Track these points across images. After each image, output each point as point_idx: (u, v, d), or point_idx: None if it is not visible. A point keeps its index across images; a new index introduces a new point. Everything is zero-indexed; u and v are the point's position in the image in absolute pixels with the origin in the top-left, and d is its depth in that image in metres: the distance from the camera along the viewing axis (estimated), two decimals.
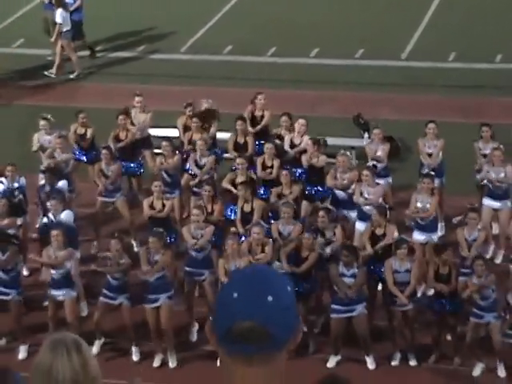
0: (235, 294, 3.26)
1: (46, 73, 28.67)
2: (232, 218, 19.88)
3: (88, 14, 30.52)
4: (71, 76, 28.30)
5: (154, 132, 22.70)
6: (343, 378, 8.12)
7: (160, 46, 29.37)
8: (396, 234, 18.91)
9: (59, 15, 28.29)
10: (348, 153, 21.23)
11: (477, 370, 17.95)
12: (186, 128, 22.47)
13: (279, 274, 3.60)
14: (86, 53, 29.67)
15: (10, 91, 27.70)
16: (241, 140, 21.66)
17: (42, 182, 21.31)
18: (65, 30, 28.28)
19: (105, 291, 18.54)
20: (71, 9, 29.20)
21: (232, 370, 3.43)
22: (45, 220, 20.07)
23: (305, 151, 21.27)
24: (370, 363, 18.10)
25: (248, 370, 3.40)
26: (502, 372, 17.78)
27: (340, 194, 19.99)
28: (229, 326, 3.24)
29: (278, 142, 21.92)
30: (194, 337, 18.40)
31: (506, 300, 18.13)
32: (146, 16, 30.74)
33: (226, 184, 20.58)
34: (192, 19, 30.57)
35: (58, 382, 4.59)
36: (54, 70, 28.44)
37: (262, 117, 22.17)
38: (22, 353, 18.29)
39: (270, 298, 3.26)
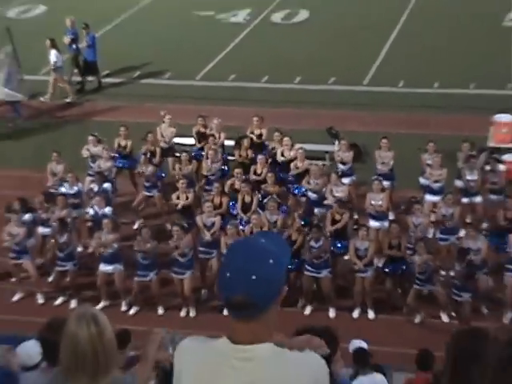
0: (228, 274, 3.83)
1: (41, 99, 28.53)
2: (232, 211, 20.23)
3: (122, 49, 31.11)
4: (67, 100, 28.51)
5: (177, 140, 23.20)
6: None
7: (181, 75, 29.49)
8: (348, 218, 19.48)
9: (53, 55, 27.99)
10: (320, 163, 22.00)
11: (418, 318, 18.28)
12: (199, 133, 23.01)
13: (263, 249, 3.91)
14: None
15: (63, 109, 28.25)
16: (243, 153, 22.17)
17: (92, 184, 21.55)
18: (58, 66, 28.15)
19: (138, 272, 19.04)
20: (82, 45, 29.24)
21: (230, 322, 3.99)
22: (91, 212, 20.58)
23: (292, 160, 21.59)
24: (332, 312, 18.65)
25: (238, 324, 3.92)
26: (445, 318, 18.14)
27: (312, 195, 20.49)
28: (225, 298, 3.80)
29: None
30: (205, 296, 19.22)
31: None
32: (169, 50, 30.85)
33: (227, 187, 20.98)
34: (204, 54, 30.77)
35: (79, 344, 5.57)
36: (48, 96, 28.39)
37: (261, 135, 22.60)
38: (73, 305, 18.88)
39: (253, 277, 3.75)
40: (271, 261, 3.82)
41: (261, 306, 3.81)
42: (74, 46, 29.37)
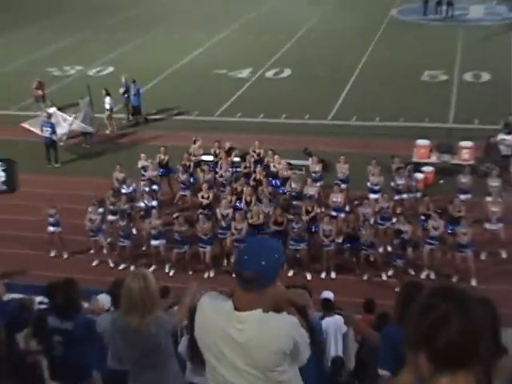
0: (245, 256, 3.84)
1: (106, 131, 28.40)
2: (239, 205, 20.26)
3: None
4: (107, 131, 28.33)
5: (202, 157, 23.16)
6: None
7: (204, 112, 29.19)
8: (318, 210, 19.73)
9: (107, 100, 27.98)
10: (298, 172, 21.99)
11: (365, 276, 18.36)
12: (216, 153, 23.08)
13: (273, 247, 3.98)
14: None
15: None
16: (247, 165, 22.33)
17: (144, 186, 21.82)
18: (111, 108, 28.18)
19: (176, 246, 19.28)
20: (131, 94, 28.95)
21: (234, 289, 4.00)
22: (143, 205, 20.95)
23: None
24: (308, 275, 18.62)
25: (241, 293, 3.89)
26: (384, 276, 18.28)
27: (292, 194, 20.64)
28: (239, 272, 3.79)
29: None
30: (224, 263, 19.19)
31: None
32: (196, 96, 30.67)
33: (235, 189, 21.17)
34: (220, 99, 30.59)
35: (132, 293, 5.78)
36: (109, 130, 28.40)
37: (259, 153, 22.70)
38: (132, 268, 18.76)
39: (263, 263, 3.77)
40: (276, 255, 3.91)
41: (263, 283, 3.83)
42: (125, 95, 29.22)
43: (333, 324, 11.55)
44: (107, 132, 28.02)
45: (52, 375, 8.95)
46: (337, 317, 12.03)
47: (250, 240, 4.33)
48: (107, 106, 28.03)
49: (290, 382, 4.07)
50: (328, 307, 12.47)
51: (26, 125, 27.13)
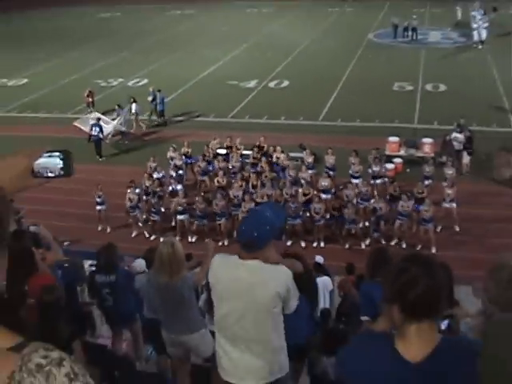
0: (243, 227, 4.02)
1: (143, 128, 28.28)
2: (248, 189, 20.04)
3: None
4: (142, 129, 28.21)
5: (218, 150, 22.96)
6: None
7: (219, 115, 29.19)
8: (312, 192, 19.53)
9: (134, 106, 27.82)
10: (295, 162, 21.90)
11: (347, 245, 18.46)
12: (228, 146, 23.07)
13: (265, 219, 4.06)
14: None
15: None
16: (255, 156, 22.30)
17: (172, 172, 22.09)
18: (137, 112, 27.99)
19: (197, 220, 19.50)
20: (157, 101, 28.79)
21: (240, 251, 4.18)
22: (171, 188, 21.08)
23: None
24: (302, 243, 18.64)
25: (244, 253, 4.08)
26: (363, 245, 18.29)
27: (290, 179, 20.41)
28: (240, 239, 4.07)
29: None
30: (234, 234, 18.27)
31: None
32: (213, 102, 30.54)
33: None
34: (232, 104, 30.46)
35: (163, 257, 5.88)
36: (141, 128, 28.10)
37: (263, 147, 22.78)
38: (161, 239, 17.84)
39: (255, 234, 3.96)
40: (268, 227, 4.00)
41: (257, 247, 3.98)
42: (153, 102, 29.04)
43: (322, 283, 11.55)
44: (132, 131, 27.77)
45: (106, 320, 9.15)
46: (325, 277, 12.06)
47: (250, 213, 4.33)
48: (133, 111, 27.88)
49: (277, 324, 4.18)
50: (319, 269, 12.52)
51: (77, 124, 27.34)
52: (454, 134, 22.76)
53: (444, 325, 4.40)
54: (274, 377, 4.29)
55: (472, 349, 2.61)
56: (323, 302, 11.57)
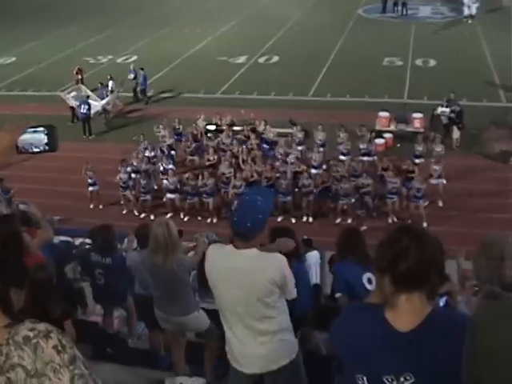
0: (235, 218, 3.98)
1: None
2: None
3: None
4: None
5: (207, 127, 23.09)
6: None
7: (209, 91, 29.07)
8: (304, 167, 19.61)
9: (110, 83, 27.66)
10: (288, 138, 21.92)
11: (338, 220, 18.51)
12: (217, 124, 23.23)
13: (257, 208, 4.04)
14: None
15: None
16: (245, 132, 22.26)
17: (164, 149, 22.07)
18: (113, 90, 27.60)
19: (188, 197, 19.46)
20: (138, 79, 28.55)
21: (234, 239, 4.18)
22: (162, 167, 20.94)
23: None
24: (293, 220, 18.51)
25: (238, 241, 4.08)
26: (349, 220, 18.28)
27: (281, 156, 20.44)
28: (233, 228, 3.98)
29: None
30: (223, 212, 19.01)
31: None
32: (203, 78, 30.29)
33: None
34: (222, 80, 30.34)
35: (158, 237, 5.81)
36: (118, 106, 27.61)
37: (254, 123, 22.67)
38: (152, 217, 18.48)
39: (248, 224, 3.95)
40: (260, 216, 4.01)
41: (250, 236, 4.00)
42: (134, 80, 28.80)
43: (315, 257, 11.52)
44: (115, 109, 27.44)
45: (96, 299, 9.13)
46: (315, 252, 12.03)
47: (241, 201, 4.29)
48: (109, 88, 27.64)
49: (279, 309, 4.19)
50: (308, 244, 12.49)
51: (62, 95, 27.27)
52: (441, 109, 22.83)
53: (442, 302, 4.42)
54: (277, 364, 4.32)
55: (462, 321, 2.55)
56: (314, 278, 11.58)
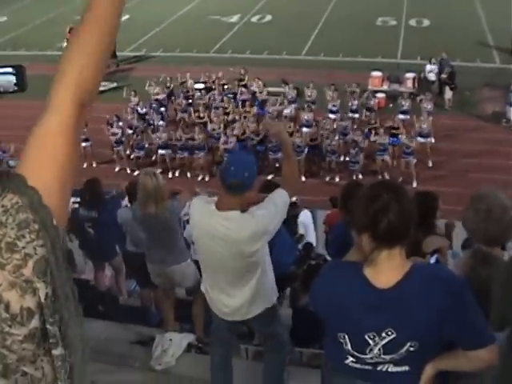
0: (232, 168, 3.90)
1: None
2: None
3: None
4: None
5: (196, 85, 23.12)
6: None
7: (202, 49, 28.78)
8: (294, 127, 19.45)
9: None
10: (277, 97, 21.76)
11: (327, 178, 18.56)
12: (206, 82, 23.10)
13: (251, 161, 4.08)
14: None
15: None
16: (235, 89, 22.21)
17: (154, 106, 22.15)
18: None
19: (178, 152, 19.61)
20: None
21: (220, 192, 4.14)
22: (152, 124, 20.99)
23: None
24: None
25: (226, 197, 4.01)
26: (337, 178, 18.32)
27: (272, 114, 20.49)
28: (228, 180, 3.87)
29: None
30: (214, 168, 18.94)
31: None
32: (195, 37, 29.99)
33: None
34: (215, 39, 30.08)
35: (147, 187, 5.78)
36: None
37: (245, 79, 22.72)
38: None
39: (246, 174, 3.90)
40: (255, 168, 4.00)
41: (245, 188, 3.92)
42: None
43: (303, 216, 11.40)
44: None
45: (86, 255, 9.17)
46: (306, 211, 11.91)
47: (234, 154, 4.31)
48: None
49: (260, 261, 4.18)
50: (295, 206, 12.36)
51: None
52: (429, 67, 22.99)
53: (433, 259, 4.44)
54: (257, 311, 4.35)
55: (442, 276, 2.64)
56: (309, 237, 11.43)
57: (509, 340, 2.68)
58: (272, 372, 4.78)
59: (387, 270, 2.61)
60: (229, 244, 4.02)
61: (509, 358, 2.62)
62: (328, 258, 6.52)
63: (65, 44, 28.23)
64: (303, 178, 18.54)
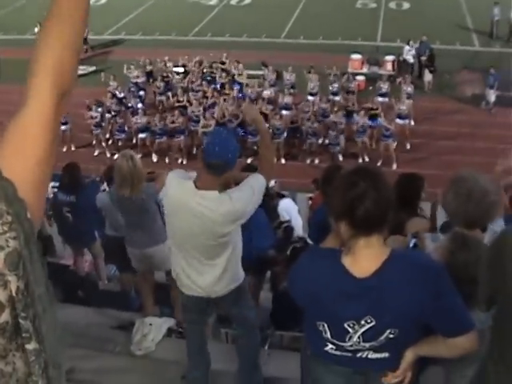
0: (216, 148, 3.82)
1: None
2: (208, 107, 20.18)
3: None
4: None
5: (174, 69, 23.07)
6: None
7: (181, 33, 28.50)
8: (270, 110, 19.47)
9: None
10: (256, 80, 21.72)
11: (308, 161, 18.78)
12: (185, 65, 23.06)
13: (233, 142, 4.01)
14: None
15: None
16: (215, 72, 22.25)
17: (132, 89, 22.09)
18: None
19: (156, 136, 19.46)
20: None
21: (199, 172, 4.09)
22: (131, 107, 20.89)
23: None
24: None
25: (208, 176, 3.94)
26: (316, 160, 18.56)
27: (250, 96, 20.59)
28: (209, 160, 3.82)
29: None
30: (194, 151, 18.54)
31: None
32: (175, 21, 29.74)
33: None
34: (194, 22, 29.86)
35: (122, 170, 5.72)
36: None
37: (225, 63, 22.75)
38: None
39: (229, 155, 3.85)
40: (237, 147, 3.98)
41: (226, 169, 3.90)
42: None
43: (283, 205, 11.11)
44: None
45: (65, 240, 9.12)
46: (285, 200, 11.66)
47: (218, 134, 4.20)
48: None
49: (231, 241, 4.19)
50: (274, 195, 12.19)
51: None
52: (407, 48, 23.15)
53: (412, 243, 4.45)
54: (225, 289, 4.36)
55: (420, 263, 2.62)
56: (295, 220, 11.13)
57: (496, 320, 2.67)
58: (245, 355, 4.78)
59: (365, 259, 2.59)
60: (203, 222, 3.98)
61: (497, 338, 2.63)
62: (309, 241, 6.48)
63: (37, 29, 28.03)
64: (283, 161, 18.64)
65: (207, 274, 4.26)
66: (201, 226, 4.00)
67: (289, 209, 10.61)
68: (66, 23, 1.42)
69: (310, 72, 21.19)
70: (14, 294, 1.14)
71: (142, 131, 19.47)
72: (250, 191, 4.01)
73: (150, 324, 5.93)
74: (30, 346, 1.19)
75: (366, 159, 18.38)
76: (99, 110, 19.99)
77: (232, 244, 4.19)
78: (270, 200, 8.80)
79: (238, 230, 4.21)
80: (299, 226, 10.02)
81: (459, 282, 2.59)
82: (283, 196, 12.10)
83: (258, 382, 4.82)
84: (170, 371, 5.27)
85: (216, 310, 5.16)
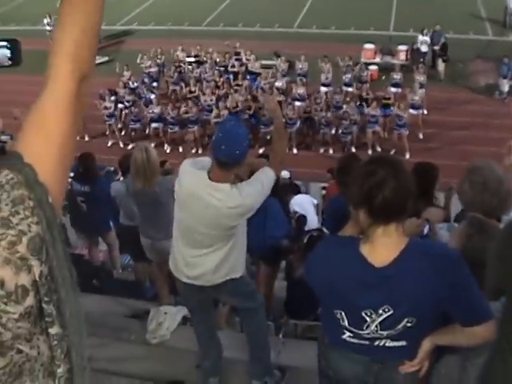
0: (223, 147, 3.81)
1: None
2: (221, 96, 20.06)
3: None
4: None
5: (187, 59, 23.02)
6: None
7: (194, 23, 28.54)
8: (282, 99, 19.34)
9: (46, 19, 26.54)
10: (268, 70, 21.58)
11: (321, 150, 18.76)
12: (198, 55, 22.91)
13: (243, 136, 3.94)
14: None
15: None
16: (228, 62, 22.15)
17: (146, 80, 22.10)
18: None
19: (170, 127, 19.46)
20: None
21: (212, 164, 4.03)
22: (144, 98, 20.73)
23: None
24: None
25: (218, 170, 3.94)
26: (331, 151, 18.17)
27: (263, 86, 20.36)
28: (219, 158, 3.83)
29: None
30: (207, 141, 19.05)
31: None
32: (187, 10, 29.87)
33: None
34: (206, 12, 29.96)
35: (137, 162, 5.77)
36: None
37: (239, 52, 22.54)
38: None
39: (237, 152, 3.81)
40: (245, 144, 3.91)
41: (235, 165, 3.91)
42: None
43: (294, 201, 10.96)
44: None
45: (80, 230, 9.15)
46: (301, 196, 11.50)
47: (226, 128, 4.17)
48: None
49: (237, 232, 4.23)
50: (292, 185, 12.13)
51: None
52: (419, 39, 22.86)
53: (426, 229, 4.44)
54: (221, 279, 4.37)
55: (438, 253, 2.61)
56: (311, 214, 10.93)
57: (505, 309, 2.67)
58: (251, 343, 4.81)
59: (383, 247, 2.59)
60: (212, 213, 4.01)
61: (505, 327, 2.63)
62: (325, 230, 6.46)
63: (46, 21, 28.03)
64: (295, 151, 18.58)
65: (207, 263, 4.29)
66: (209, 216, 4.03)
67: (302, 203, 10.60)
68: (83, 11, 1.42)
69: (323, 61, 21.03)
70: (37, 279, 1.16)
71: (155, 121, 19.49)
72: (259, 186, 4.04)
73: (165, 313, 5.95)
74: (53, 331, 1.21)
75: (378, 149, 18.26)
76: (112, 99, 20.02)
77: (234, 236, 4.22)
78: (283, 194, 8.78)
79: (244, 224, 4.25)
80: (313, 222, 9.99)
81: (476, 266, 2.57)
82: (299, 191, 12.11)
83: (266, 370, 4.83)
84: (184, 359, 5.30)
85: (216, 299, 5.17)
